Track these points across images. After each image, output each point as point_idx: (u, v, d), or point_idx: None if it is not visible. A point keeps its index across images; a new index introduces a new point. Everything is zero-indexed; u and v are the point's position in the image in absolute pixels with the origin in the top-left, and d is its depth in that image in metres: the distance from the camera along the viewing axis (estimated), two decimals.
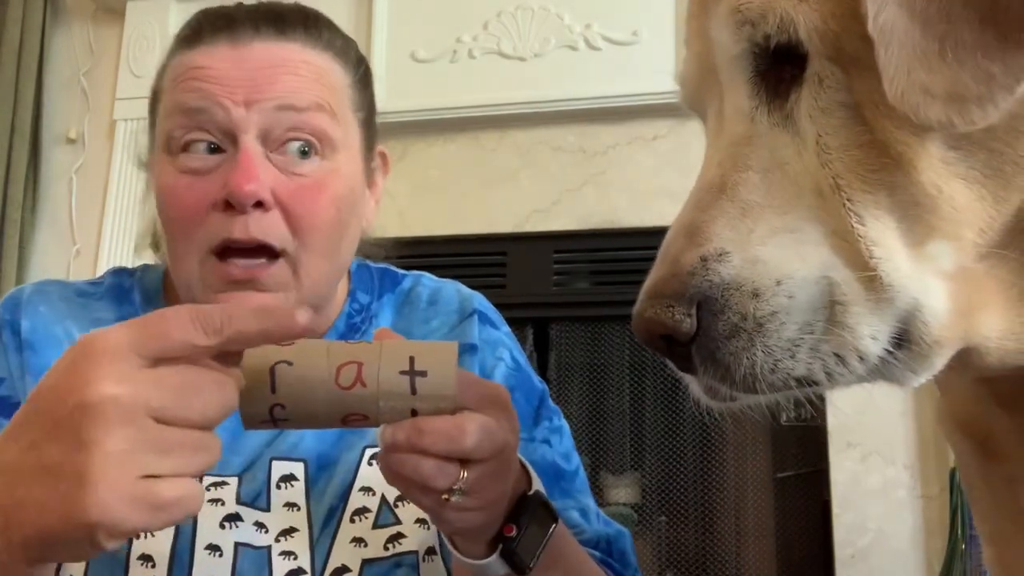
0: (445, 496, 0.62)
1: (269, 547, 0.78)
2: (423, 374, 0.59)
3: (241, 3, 0.87)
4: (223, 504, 0.79)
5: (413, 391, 0.59)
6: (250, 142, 0.77)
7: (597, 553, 0.86)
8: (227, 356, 0.56)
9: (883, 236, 0.47)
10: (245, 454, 0.81)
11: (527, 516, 0.70)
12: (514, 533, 0.69)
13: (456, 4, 2.53)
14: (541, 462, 0.87)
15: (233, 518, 0.78)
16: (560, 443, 0.92)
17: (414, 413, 0.60)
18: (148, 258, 0.99)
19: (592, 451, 2.40)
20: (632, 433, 2.44)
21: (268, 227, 0.77)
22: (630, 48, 2.39)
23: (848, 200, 0.47)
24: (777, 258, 0.47)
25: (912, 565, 2.06)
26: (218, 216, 0.77)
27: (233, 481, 0.80)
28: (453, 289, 0.95)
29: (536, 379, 0.95)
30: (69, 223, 2.74)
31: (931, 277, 0.47)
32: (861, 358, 0.47)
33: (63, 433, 0.50)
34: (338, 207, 0.81)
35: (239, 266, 0.78)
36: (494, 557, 0.69)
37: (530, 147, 2.45)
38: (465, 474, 0.61)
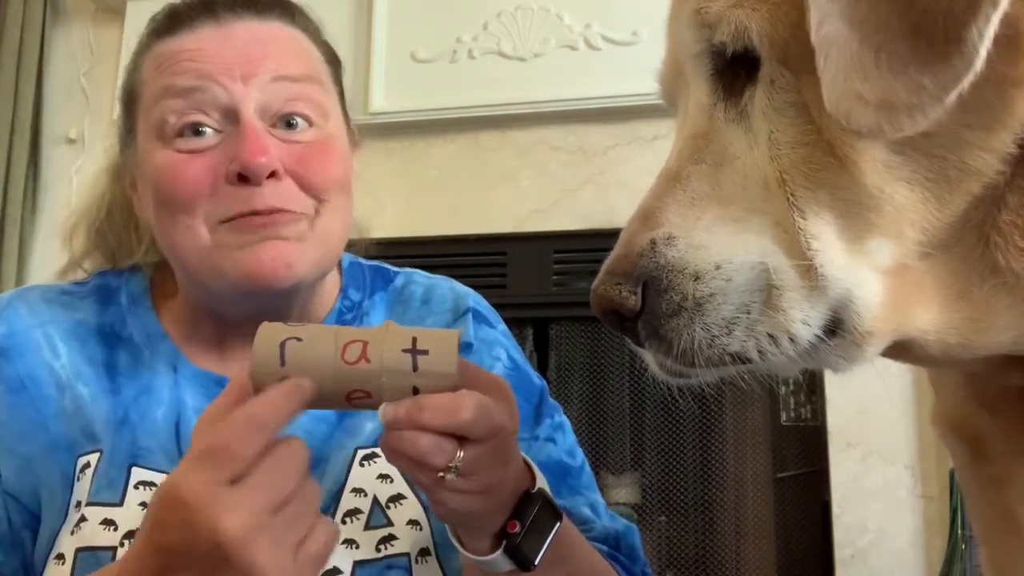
0: (441, 474, 0.63)
1: None
2: (425, 352, 0.62)
3: None
4: None
5: (415, 368, 0.62)
6: (252, 116, 0.79)
7: (605, 548, 0.86)
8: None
9: (822, 231, 0.50)
10: None
11: (530, 513, 0.71)
12: (517, 529, 0.70)
13: (456, 4, 2.53)
14: (547, 461, 0.87)
15: None
16: (564, 440, 0.91)
17: (415, 392, 0.62)
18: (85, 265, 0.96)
19: (592, 451, 2.40)
20: (632, 433, 2.44)
21: (284, 194, 0.79)
22: (630, 48, 2.38)
23: (792, 195, 0.50)
24: (718, 244, 0.51)
25: (912, 565, 2.06)
26: (229, 189, 0.78)
27: None
28: (447, 287, 0.95)
29: (535, 376, 0.94)
30: None
31: (867, 271, 0.50)
32: (792, 340, 0.50)
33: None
34: (343, 165, 0.85)
35: (258, 217, 0.78)
36: (498, 553, 0.70)
37: (530, 147, 2.45)
38: (461, 453, 0.63)
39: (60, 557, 0.75)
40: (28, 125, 2.73)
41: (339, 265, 0.94)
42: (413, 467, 0.64)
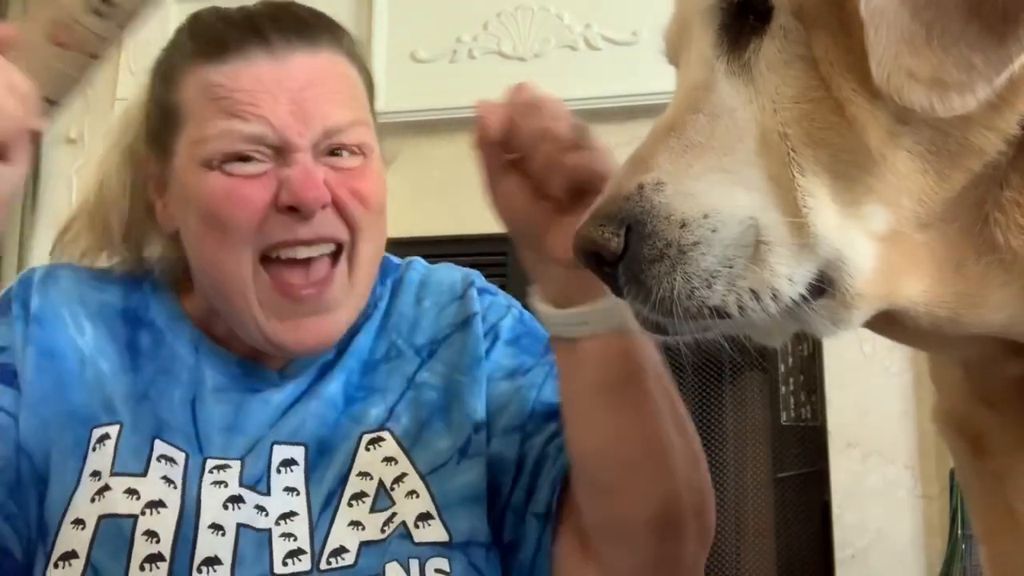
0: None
1: (269, 530, 0.80)
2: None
3: (249, 7, 0.87)
4: (226, 486, 0.80)
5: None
6: (305, 155, 0.81)
7: None
8: None
9: (818, 189, 0.49)
10: (248, 432, 0.83)
11: None
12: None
13: (456, 4, 2.53)
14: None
15: (236, 500, 0.80)
16: None
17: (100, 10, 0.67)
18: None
19: None
20: None
21: (327, 223, 0.82)
22: (630, 48, 2.39)
23: (792, 150, 0.49)
24: (708, 193, 0.50)
25: (912, 565, 2.07)
26: (277, 217, 0.81)
27: (236, 464, 0.82)
28: (445, 270, 0.97)
29: (540, 328, 0.93)
30: None
31: (860, 235, 0.49)
32: (775, 297, 0.49)
33: None
34: (380, 187, 0.87)
35: (299, 280, 0.82)
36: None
37: None
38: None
39: (79, 522, 0.78)
40: None
41: None
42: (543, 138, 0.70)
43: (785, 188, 0.49)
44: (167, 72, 0.87)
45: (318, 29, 0.86)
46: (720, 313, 0.50)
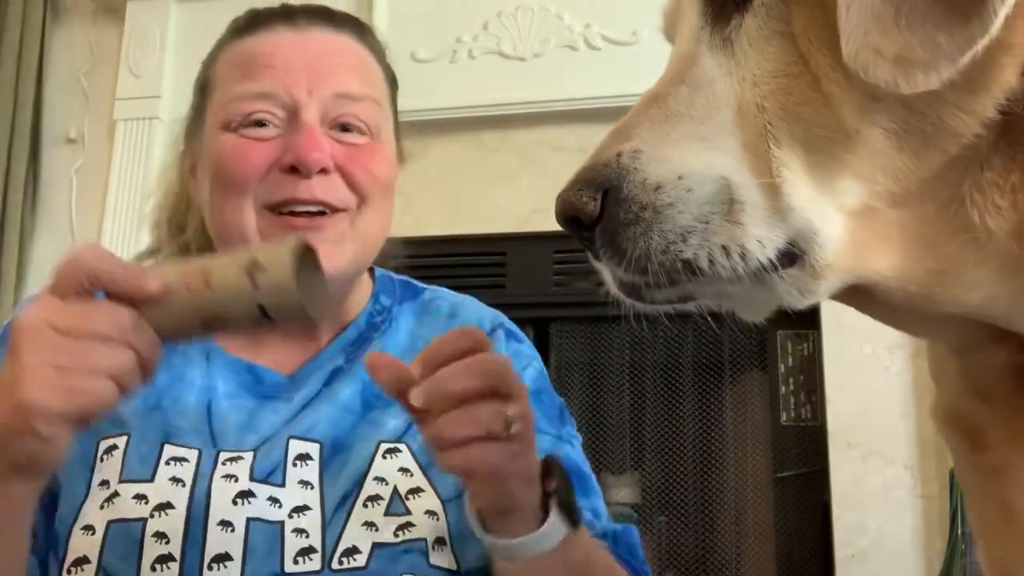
0: (506, 431, 0.66)
1: (282, 523, 0.80)
2: (264, 269, 0.64)
3: (285, 3, 0.94)
4: (236, 480, 0.81)
5: (255, 286, 0.63)
6: (312, 117, 0.85)
7: (607, 544, 0.87)
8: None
9: (793, 161, 0.50)
10: (261, 431, 0.84)
11: (558, 469, 0.74)
12: (554, 485, 0.73)
13: (456, 4, 2.53)
14: (566, 459, 0.89)
15: (246, 495, 0.81)
16: (579, 448, 0.96)
17: (263, 311, 0.64)
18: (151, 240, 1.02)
19: (592, 451, 2.40)
20: (632, 433, 2.44)
21: (330, 188, 0.85)
22: (630, 48, 2.39)
23: (769, 123, 0.51)
24: (683, 158, 0.52)
25: (912, 565, 2.07)
26: (279, 176, 0.84)
27: (248, 456, 0.83)
28: (473, 305, 0.99)
29: (555, 393, 0.99)
30: (69, 223, 2.74)
31: (831, 209, 0.50)
32: (743, 256, 0.50)
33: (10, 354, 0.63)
34: (390, 167, 0.91)
35: (300, 219, 0.85)
36: (553, 514, 0.72)
37: (530, 147, 2.45)
38: (508, 409, 0.67)
39: (88, 528, 0.79)
40: (28, 125, 2.73)
41: (371, 273, 0.99)
42: (476, 448, 0.66)
43: (760, 156, 0.51)
44: (207, 59, 0.94)
45: (343, 20, 0.93)
46: (691, 268, 0.51)
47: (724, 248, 0.50)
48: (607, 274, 0.56)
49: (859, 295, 0.54)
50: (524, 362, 0.95)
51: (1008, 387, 0.57)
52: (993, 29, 0.45)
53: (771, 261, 0.51)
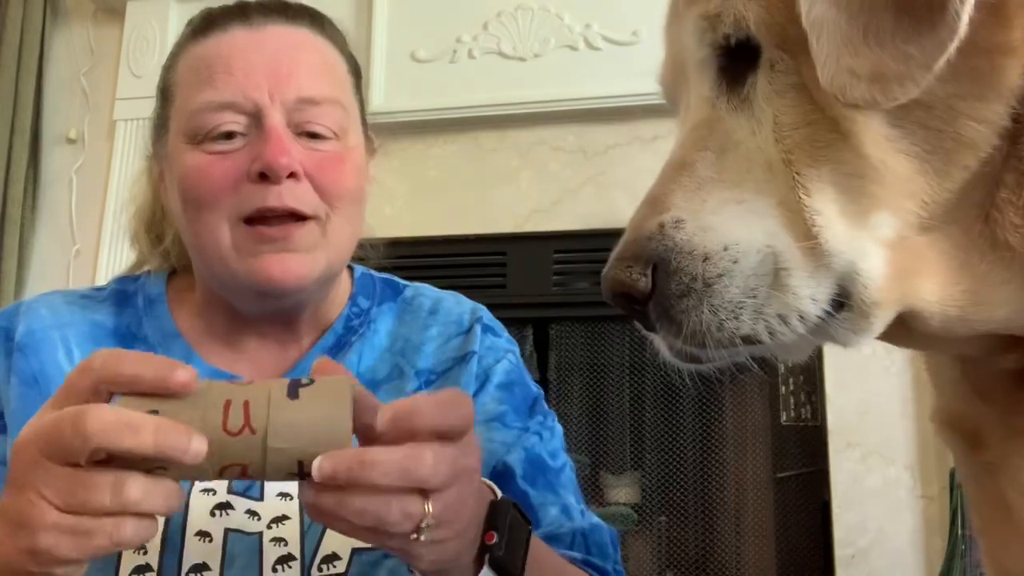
0: (415, 535, 0.57)
1: (261, 533, 0.79)
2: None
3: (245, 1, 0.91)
4: (214, 494, 0.80)
5: (301, 476, 0.56)
6: (277, 122, 0.83)
7: (578, 555, 0.86)
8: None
9: (826, 206, 0.51)
10: None
11: (504, 521, 0.68)
12: (496, 540, 0.66)
13: (456, 4, 2.53)
14: (528, 452, 0.89)
15: (224, 507, 0.80)
16: (549, 440, 0.93)
17: (300, 465, 0.55)
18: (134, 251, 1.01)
19: (592, 451, 2.40)
20: (632, 433, 2.44)
21: (300, 195, 0.83)
22: (630, 48, 2.38)
23: (797, 173, 0.52)
24: (725, 225, 0.53)
25: (912, 565, 2.06)
26: (250, 187, 0.82)
27: None
28: (454, 300, 0.98)
29: (532, 384, 0.97)
30: (69, 223, 2.74)
31: (869, 244, 0.51)
32: (802, 318, 0.51)
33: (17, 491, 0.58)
34: (358, 175, 0.89)
35: (272, 228, 0.83)
36: (484, 571, 0.67)
37: (530, 147, 2.45)
38: (430, 507, 0.57)
39: None
40: (28, 125, 2.73)
41: (351, 274, 0.98)
42: (374, 535, 0.58)
43: (795, 211, 0.51)
44: (166, 63, 0.91)
45: (299, 12, 0.90)
46: (751, 340, 0.52)
47: (780, 317, 0.51)
48: (661, 343, 0.56)
49: (895, 328, 0.54)
50: (499, 355, 0.94)
51: (1008, 387, 0.58)
52: (961, 30, 0.46)
53: (826, 311, 0.52)
